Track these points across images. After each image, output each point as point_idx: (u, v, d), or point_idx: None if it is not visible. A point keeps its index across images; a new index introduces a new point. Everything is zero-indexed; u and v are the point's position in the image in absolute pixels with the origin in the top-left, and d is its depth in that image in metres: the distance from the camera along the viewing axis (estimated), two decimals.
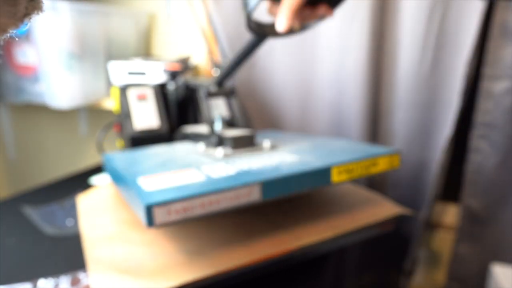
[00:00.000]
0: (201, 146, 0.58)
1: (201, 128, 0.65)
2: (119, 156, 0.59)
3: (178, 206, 0.37)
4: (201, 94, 0.59)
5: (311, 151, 0.53)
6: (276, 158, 0.50)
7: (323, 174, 0.46)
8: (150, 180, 0.42)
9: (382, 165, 0.50)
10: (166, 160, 0.53)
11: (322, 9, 0.43)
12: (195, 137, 0.65)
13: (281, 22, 0.40)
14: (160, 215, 0.36)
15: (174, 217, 0.37)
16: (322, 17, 0.46)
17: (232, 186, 0.40)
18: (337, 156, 0.50)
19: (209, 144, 0.58)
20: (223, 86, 0.61)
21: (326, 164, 0.46)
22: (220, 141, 0.56)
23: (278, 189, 0.43)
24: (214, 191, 0.39)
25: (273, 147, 0.56)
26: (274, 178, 0.42)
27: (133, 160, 0.55)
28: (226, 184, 0.40)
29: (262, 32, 0.46)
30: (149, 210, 0.36)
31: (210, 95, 0.59)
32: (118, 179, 0.52)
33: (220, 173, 0.44)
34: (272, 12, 0.46)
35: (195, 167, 0.47)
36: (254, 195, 0.41)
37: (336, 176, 0.47)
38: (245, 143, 0.55)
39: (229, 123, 0.64)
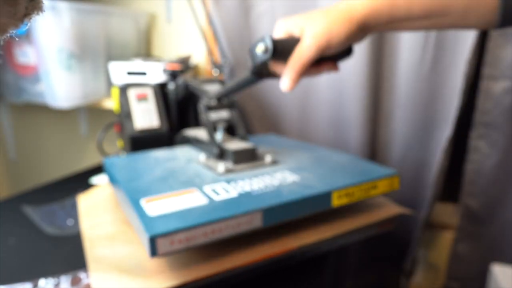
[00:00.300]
0: (202, 156, 0.58)
1: (202, 134, 0.65)
2: (120, 164, 0.59)
3: (181, 236, 0.37)
4: (201, 107, 0.60)
5: (311, 168, 0.54)
6: (277, 177, 0.50)
7: (323, 199, 0.47)
8: (153, 204, 0.43)
9: (381, 188, 0.51)
10: (167, 172, 0.53)
11: (326, 66, 0.43)
12: (196, 143, 0.65)
13: (286, 83, 0.40)
14: (163, 246, 0.37)
15: (176, 246, 0.38)
16: (327, 72, 0.45)
17: (234, 214, 0.40)
18: (338, 177, 0.50)
19: (210, 155, 0.58)
20: (222, 100, 0.62)
21: (327, 189, 0.46)
22: (222, 154, 0.57)
23: (279, 216, 0.44)
24: (217, 220, 0.39)
25: (274, 162, 0.56)
26: (275, 205, 0.43)
27: (133, 171, 0.55)
28: (228, 213, 0.40)
29: (266, 75, 0.46)
30: (152, 241, 0.36)
31: (210, 108, 0.60)
32: (119, 190, 0.52)
33: (222, 195, 0.44)
34: (275, 69, 0.45)
35: (197, 186, 0.47)
36: (256, 222, 0.42)
37: (336, 200, 0.47)
38: (247, 158, 0.56)
39: (229, 127, 0.64)
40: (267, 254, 0.44)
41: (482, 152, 0.78)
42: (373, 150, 0.88)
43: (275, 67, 0.44)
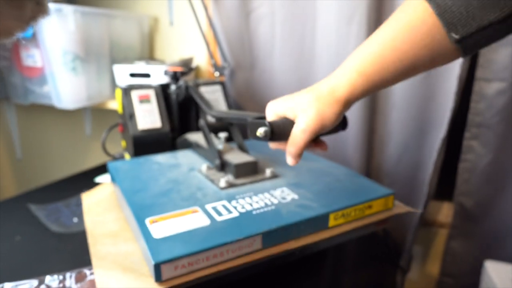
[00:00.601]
0: (203, 166, 0.59)
1: (203, 139, 0.65)
2: (123, 169, 0.60)
3: (184, 261, 0.38)
4: (202, 123, 0.62)
5: (309, 185, 0.54)
6: (277, 195, 0.51)
7: (321, 220, 0.47)
8: (157, 225, 0.43)
9: (376, 207, 0.52)
10: (170, 183, 0.54)
11: (321, 146, 0.44)
12: (198, 148, 0.66)
13: (290, 162, 0.42)
14: (167, 271, 0.38)
15: (180, 271, 0.38)
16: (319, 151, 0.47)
17: (236, 239, 0.41)
18: (335, 197, 0.51)
19: (211, 164, 0.59)
20: (222, 121, 0.63)
21: (324, 211, 0.47)
22: (223, 165, 0.57)
23: (278, 238, 0.44)
24: (219, 245, 0.40)
25: (274, 176, 0.57)
26: (275, 228, 0.43)
27: (137, 179, 0.56)
28: (230, 238, 0.41)
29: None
30: (157, 267, 0.37)
31: (210, 126, 0.63)
32: (123, 199, 0.52)
33: (224, 216, 0.45)
34: (274, 147, 0.47)
35: (199, 204, 0.48)
36: (256, 245, 0.43)
37: (333, 221, 0.48)
38: (248, 171, 0.56)
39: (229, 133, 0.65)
40: (266, 254, 0.44)
41: (476, 152, 0.78)
42: (370, 151, 0.88)
43: (273, 146, 0.46)
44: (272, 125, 0.40)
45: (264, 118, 0.45)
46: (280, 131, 0.40)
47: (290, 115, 0.41)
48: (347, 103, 0.39)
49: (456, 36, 0.33)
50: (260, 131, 0.40)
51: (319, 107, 0.38)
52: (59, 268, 0.47)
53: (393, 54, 0.36)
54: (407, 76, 0.38)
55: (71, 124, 1.27)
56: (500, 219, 0.81)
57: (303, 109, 0.39)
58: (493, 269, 0.66)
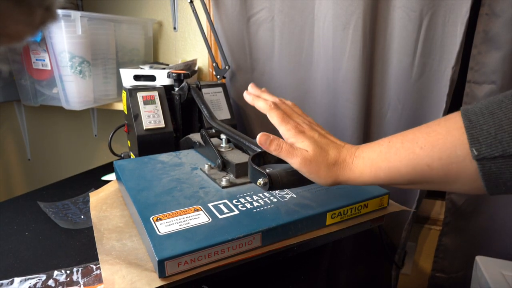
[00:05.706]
0: (205, 165, 0.59)
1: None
2: (128, 167, 0.60)
3: (187, 258, 0.38)
4: (204, 134, 0.63)
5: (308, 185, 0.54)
6: (276, 195, 0.51)
7: (319, 219, 0.47)
8: (161, 223, 0.43)
9: (372, 207, 0.52)
10: (174, 182, 0.54)
11: None
12: (200, 148, 0.66)
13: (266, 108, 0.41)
14: (170, 268, 0.38)
15: (182, 268, 0.39)
16: None
17: (236, 237, 0.41)
18: (332, 196, 0.51)
19: (213, 164, 0.59)
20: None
21: (322, 210, 0.47)
22: (224, 165, 0.57)
23: (277, 236, 0.44)
24: (220, 243, 0.40)
25: None
26: (274, 226, 0.43)
27: (142, 178, 0.56)
28: (231, 235, 0.41)
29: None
30: (161, 264, 0.37)
31: (211, 135, 0.64)
32: (128, 198, 0.52)
33: (225, 214, 0.45)
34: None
35: (201, 203, 0.48)
36: (255, 243, 0.43)
37: (330, 220, 0.48)
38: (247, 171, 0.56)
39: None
40: (265, 251, 0.44)
41: None
42: None
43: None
44: (271, 176, 0.40)
45: (260, 151, 0.46)
46: (279, 181, 0.40)
47: (295, 143, 0.40)
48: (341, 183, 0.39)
49: (476, 153, 0.29)
50: (260, 181, 0.40)
51: (324, 167, 0.38)
52: (66, 263, 0.47)
53: (408, 155, 0.33)
54: (417, 186, 0.35)
55: (79, 125, 1.27)
56: (490, 216, 0.81)
57: (312, 151, 0.38)
58: (484, 264, 0.66)
